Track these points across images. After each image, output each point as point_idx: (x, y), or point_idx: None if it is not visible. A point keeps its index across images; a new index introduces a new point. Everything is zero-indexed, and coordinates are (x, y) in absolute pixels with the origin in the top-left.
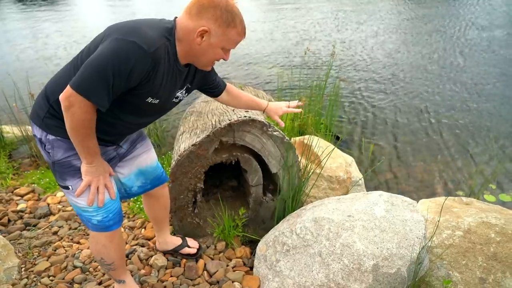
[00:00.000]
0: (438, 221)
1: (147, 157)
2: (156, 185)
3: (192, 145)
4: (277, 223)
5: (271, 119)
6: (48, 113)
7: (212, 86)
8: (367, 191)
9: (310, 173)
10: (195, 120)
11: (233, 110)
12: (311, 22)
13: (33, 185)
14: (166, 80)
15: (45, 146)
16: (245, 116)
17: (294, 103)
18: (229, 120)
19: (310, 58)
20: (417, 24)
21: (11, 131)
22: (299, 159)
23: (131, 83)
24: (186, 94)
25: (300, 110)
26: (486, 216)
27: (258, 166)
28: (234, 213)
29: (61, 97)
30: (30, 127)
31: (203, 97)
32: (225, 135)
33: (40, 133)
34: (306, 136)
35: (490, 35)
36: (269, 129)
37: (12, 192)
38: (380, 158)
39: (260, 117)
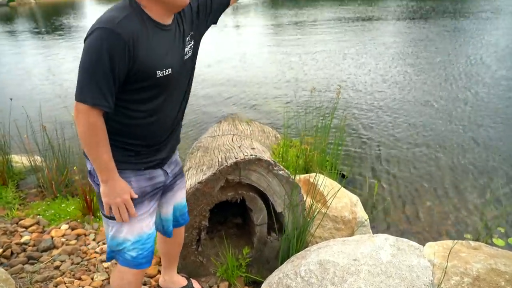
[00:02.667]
0: (446, 267)
1: (181, 193)
2: (182, 223)
3: (198, 183)
4: (282, 263)
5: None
6: None
7: (219, 3)
8: (373, 231)
9: (316, 213)
10: (202, 156)
11: (239, 147)
12: (315, 56)
13: (38, 216)
14: (158, 45)
15: (94, 177)
16: (252, 155)
17: None
18: (236, 158)
19: (315, 95)
20: (421, 59)
21: (20, 160)
22: (304, 198)
23: (120, 66)
24: (194, 44)
25: None
26: (495, 262)
27: (263, 205)
28: (238, 252)
29: (75, 116)
30: (39, 157)
31: (210, 131)
32: (231, 173)
33: (90, 166)
34: (312, 174)
35: (495, 72)
36: (274, 168)
37: (17, 223)
38: (385, 197)
39: (266, 155)
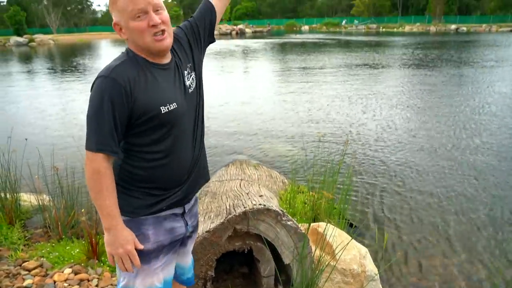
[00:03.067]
0: None
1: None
2: (191, 280)
3: (206, 232)
4: None
5: None
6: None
7: (210, 17)
8: (382, 285)
9: (324, 266)
10: (210, 202)
11: (247, 194)
12: (323, 102)
13: (42, 258)
14: (158, 84)
15: None
16: (260, 204)
17: None
18: (244, 207)
19: (324, 141)
20: (427, 106)
21: (28, 199)
22: (312, 250)
23: (121, 109)
24: (196, 74)
25: None
26: None
27: (271, 256)
28: None
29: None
30: (47, 197)
31: (218, 175)
32: (239, 222)
33: None
34: (320, 224)
35: (501, 120)
36: (283, 218)
37: (20, 265)
38: (395, 248)
39: (274, 203)
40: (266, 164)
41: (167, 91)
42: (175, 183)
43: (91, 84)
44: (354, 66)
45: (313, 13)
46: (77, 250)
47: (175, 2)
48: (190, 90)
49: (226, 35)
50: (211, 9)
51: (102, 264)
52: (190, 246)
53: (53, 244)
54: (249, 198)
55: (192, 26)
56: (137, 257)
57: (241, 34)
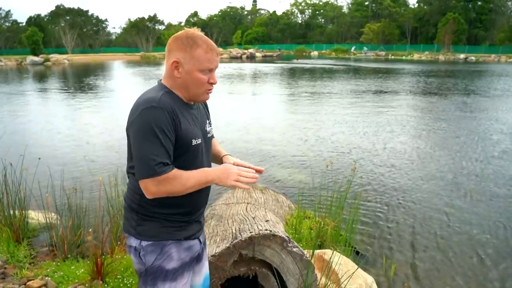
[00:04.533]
0: None
1: (207, 264)
2: None
3: (212, 256)
4: None
5: None
6: (138, 221)
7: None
8: None
9: None
10: (216, 225)
11: (254, 218)
12: (331, 127)
13: (46, 278)
14: (189, 119)
15: (139, 253)
16: (266, 230)
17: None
18: (250, 232)
19: (331, 168)
20: (438, 133)
21: (36, 217)
22: (317, 278)
23: (171, 134)
24: (211, 128)
25: (248, 187)
26: None
27: (276, 283)
28: None
29: (147, 196)
30: (54, 215)
31: (224, 198)
32: (245, 248)
33: (135, 242)
34: (326, 251)
35: (507, 148)
36: (289, 245)
37: (25, 284)
38: (402, 278)
39: (280, 228)
40: (272, 188)
41: (195, 127)
42: (193, 210)
43: (131, 117)
44: (363, 92)
45: (322, 39)
46: (82, 270)
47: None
48: (208, 135)
49: (236, 58)
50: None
51: (106, 285)
52: (205, 261)
53: (58, 263)
54: (255, 222)
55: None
56: (247, 168)
57: (251, 58)
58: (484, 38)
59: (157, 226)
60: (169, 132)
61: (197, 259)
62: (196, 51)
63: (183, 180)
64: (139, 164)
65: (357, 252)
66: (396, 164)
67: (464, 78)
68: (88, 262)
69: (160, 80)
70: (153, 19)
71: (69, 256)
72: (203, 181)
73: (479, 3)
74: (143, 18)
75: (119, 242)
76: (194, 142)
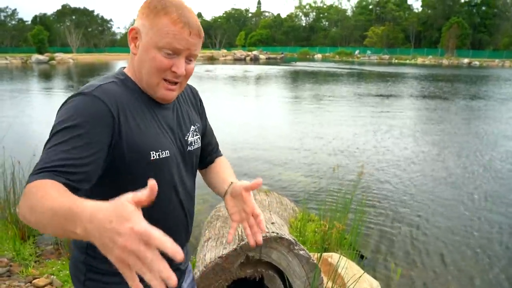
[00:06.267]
0: None
1: None
2: None
3: (219, 257)
4: None
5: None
6: (87, 273)
7: (205, 149)
8: None
9: None
10: (221, 227)
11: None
12: (337, 129)
13: (52, 276)
14: (152, 122)
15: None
16: (273, 232)
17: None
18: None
19: (338, 171)
20: (442, 138)
21: None
22: (323, 281)
23: (101, 139)
24: (198, 139)
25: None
26: None
27: (282, 286)
28: None
29: None
30: None
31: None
32: (252, 250)
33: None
34: (331, 254)
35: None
36: (295, 248)
37: (30, 282)
38: (406, 282)
39: (285, 231)
40: (276, 190)
41: (162, 134)
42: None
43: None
44: (367, 96)
45: (326, 42)
46: None
47: None
48: (190, 148)
49: (240, 60)
50: (209, 158)
51: None
52: None
53: (64, 262)
54: None
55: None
56: (158, 239)
57: (255, 60)
58: (488, 43)
59: (105, 280)
60: (100, 134)
61: None
62: (161, 19)
63: (36, 199)
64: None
65: (362, 256)
66: (402, 168)
67: (469, 83)
68: None
69: (125, 67)
70: None
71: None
72: (65, 223)
73: (483, 8)
74: None
75: None
76: (153, 155)
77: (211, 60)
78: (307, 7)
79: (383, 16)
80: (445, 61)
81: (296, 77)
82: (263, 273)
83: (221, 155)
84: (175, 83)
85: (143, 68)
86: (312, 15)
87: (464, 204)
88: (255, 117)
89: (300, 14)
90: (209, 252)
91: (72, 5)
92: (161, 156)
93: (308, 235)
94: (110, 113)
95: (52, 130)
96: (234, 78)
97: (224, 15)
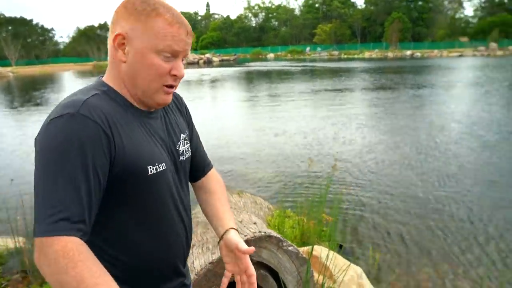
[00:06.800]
0: None
1: None
2: None
3: (210, 263)
4: None
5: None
6: None
7: (195, 160)
8: None
9: None
10: (203, 233)
11: (241, 222)
12: (297, 126)
13: None
14: (144, 134)
15: None
16: (260, 232)
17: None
18: (245, 236)
19: (311, 167)
20: (399, 127)
21: (3, 243)
22: (313, 274)
23: (99, 161)
24: (189, 147)
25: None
26: None
27: (275, 283)
28: None
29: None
30: (24, 239)
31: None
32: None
33: None
34: (315, 247)
35: (460, 135)
36: (284, 244)
37: None
38: (387, 266)
39: (273, 232)
40: (249, 190)
41: (155, 146)
42: (169, 270)
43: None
44: (324, 92)
45: (277, 41)
46: None
47: None
48: (182, 158)
49: (193, 64)
50: (200, 172)
51: None
52: None
53: None
54: (244, 226)
55: (192, 129)
56: None
57: (208, 63)
58: (426, 35)
59: None
60: (95, 157)
61: None
62: (155, 21)
63: (80, 270)
64: (36, 213)
65: (340, 246)
66: (364, 157)
67: (415, 73)
68: None
69: (102, 76)
70: (104, 26)
71: (46, 281)
72: None
73: (420, 2)
74: (93, 26)
75: None
76: (151, 170)
77: None
78: (256, 7)
79: (330, 13)
80: (390, 54)
81: (252, 77)
82: None
83: (211, 167)
84: (172, 86)
85: (138, 75)
86: (262, 15)
87: (417, 186)
88: (216, 118)
89: (250, 15)
90: (197, 259)
91: (7, 15)
92: (158, 170)
93: (286, 231)
94: (104, 133)
95: (40, 161)
96: (189, 82)
97: None
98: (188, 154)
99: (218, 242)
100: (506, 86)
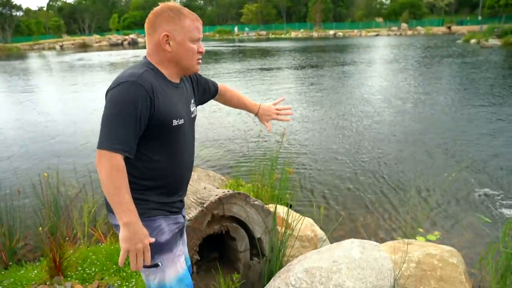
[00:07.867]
0: (402, 260)
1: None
2: (189, 268)
3: (188, 220)
4: (267, 282)
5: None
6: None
7: (209, 90)
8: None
9: (288, 235)
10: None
11: (205, 188)
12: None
13: None
14: (172, 98)
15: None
16: (229, 191)
17: (284, 109)
18: (216, 195)
19: (262, 137)
20: (328, 101)
21: None
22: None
23: (144, 113)
24: (196, 108)
25: (289, 119)
26: (427, 249)
27: (245, 233)
28: (223, 283)
29: (96, 165)
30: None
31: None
32: (216, 208)
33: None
34: (270, 205)
35: (381, 104)
36: (250, 200)
37: None
38: (331, 216)
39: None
40: (201, 166)
41: (178, 106)
42: (177, 186)
43: (109, 88)
44: (258, 70)
45: (204, 20)
46: (35, 271)
47: (52, 12)
48: (192, 115)
49: (117, 45)
50: (214, 90)
51: (68, 279)
52: (185, 235)
53: (2, 272)
54: (209, 191)
55: (200, 84)
56: (149, 253)
57: (133, 44)
58: (346, 16)
59: (144, 204)
60: (142, 111)
61: (181, 233)
62: (186, 22)
63: (119, 185)
64: (104, 135)
65: (291, 206)
66: (300, 128)
67: (339, 51)
68: (44, 261)
69: (145, 56)
70: (7, 3)
71: (10, 263)
72: (123, 209)
73: None
74: None
75: (66, 238)
76: (175, 122)
77: (84, 47)
78: None
79: None
80: (315, 34)
81: None
82: (228, 227)
83: (217, 85)
84: (199, 59)
85: (182, 58)
86: None
87: (347, 151)
88: None
89: None
90: None
91: None
92: (179, 123)
93: None
94: (149, 97)
95: (110, 105)
96: (115, 65)
97: None
98: (195, 113)
99: (256, 114)
100: (417, 62)
